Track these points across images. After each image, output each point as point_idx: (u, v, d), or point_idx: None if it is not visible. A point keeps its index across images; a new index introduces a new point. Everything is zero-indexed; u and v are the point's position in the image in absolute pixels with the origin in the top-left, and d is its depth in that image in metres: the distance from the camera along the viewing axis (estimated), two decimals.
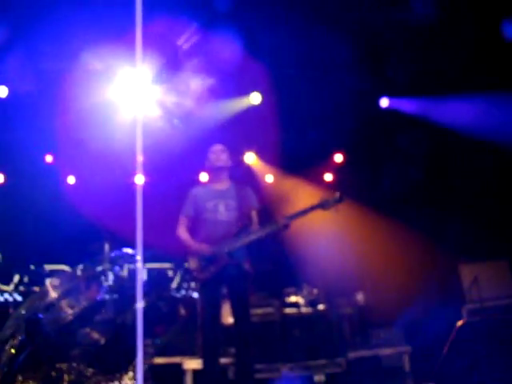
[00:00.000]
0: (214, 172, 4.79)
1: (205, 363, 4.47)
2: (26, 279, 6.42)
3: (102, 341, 3.76)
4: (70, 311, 3.85)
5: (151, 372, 4.50)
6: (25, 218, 7.69)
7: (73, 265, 6.36)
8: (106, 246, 5.54)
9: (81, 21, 5.46)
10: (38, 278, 6.34)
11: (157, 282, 5.18)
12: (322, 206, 4.41)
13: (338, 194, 4.50)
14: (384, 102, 7.58)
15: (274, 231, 4.45)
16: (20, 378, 3.19)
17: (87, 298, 4.24)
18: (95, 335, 3.83)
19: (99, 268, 5.03)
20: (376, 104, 7.60)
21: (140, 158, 7.43)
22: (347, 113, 7.56)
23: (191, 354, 6.20)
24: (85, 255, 5.93)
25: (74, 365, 3.61)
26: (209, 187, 4.80)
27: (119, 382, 4.26)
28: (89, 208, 7.30)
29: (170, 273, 6.36)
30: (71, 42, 5.79)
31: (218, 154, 4.72)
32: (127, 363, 3.91)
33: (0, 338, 3.56)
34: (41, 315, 3.60)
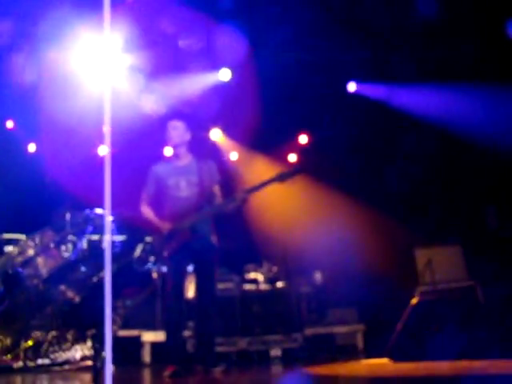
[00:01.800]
0: (173, 149, 4.79)
1: (167, 336, 4.52)
2: None
3: (77, 299, 3.76)
4: (45, 269, 3.83)
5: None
6: None
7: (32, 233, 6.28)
8: (67, 215, 5.48)
9: None
10: None
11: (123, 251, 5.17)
12: (280, 178, 4.43)
13: (294, 167, 4.61)
14: (351, 87, 7.68)
15: (234, 205, 4.49)
16: None
17: (59, 257, 4.22)
18: (70, 293, 3.82)
19: (65, 232, 5.00)
20: (344, 88, 7.69)
21: (106, 129, 7.37)
22: (315, 94, 7.64)
23: (150, 327, 6.24)
24: (45, 224, 5.86)
25: (48, 321, 3.61)
26: (170, 164, 4.79)
27: (90, 341, 4.29)
28: (50, 176, 7.19)
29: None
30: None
31: (172, 131, 4.71)
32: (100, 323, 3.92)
33: None
34: (19, 269, 3.57)
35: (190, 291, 5.19)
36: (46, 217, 6.01)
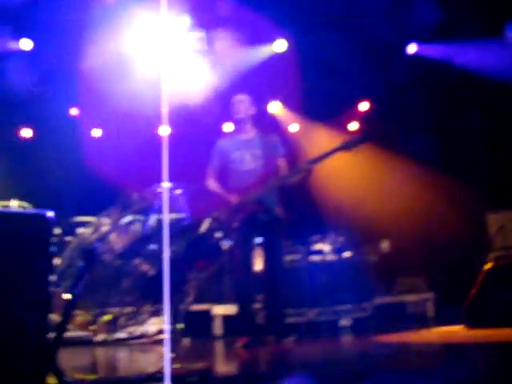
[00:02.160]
0: (237, 123, 4.80)
1: (238, 309, 4.60)
2: (57, 231, 6.59)
3: (151, 272, 3.88)
4: (119, 244, 3.97)
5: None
6: (53, 171, 7.82)
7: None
8: (135, 193, 5.62)
9: None
10: (69, 229, 6.50)
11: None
12: (344, 147, 4.38)
13: (359, 135, 4.52)
14: (412, 48, 7.41)
15: (299, 176, 4.46)
16: (77, 308, 3.35)
17: (130, 233, 4.35)
18: (144, 267, 3.94)
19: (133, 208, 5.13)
20: (403, 51, 7.43)
21: (165, 109, 7.48)
22: (373, 60, 7.43)
23: (220, 300, 6.37)
24: (113, 205, 6.03)
25: (125, 295, 3.75)
26: (234, 138, 4.83)
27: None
28: (115, 159, 7.38)
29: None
30: None
31: (238, 105, 4.72)
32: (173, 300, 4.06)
33: (58, 268, 3.70)
34: (96, 245, 3.73)
35: (258, 264, 5.24)
36: (114, 198, 6.20)
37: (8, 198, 6.72)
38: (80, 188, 7.60)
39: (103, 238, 3.69)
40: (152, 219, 5.19)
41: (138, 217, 5.38)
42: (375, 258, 6.95)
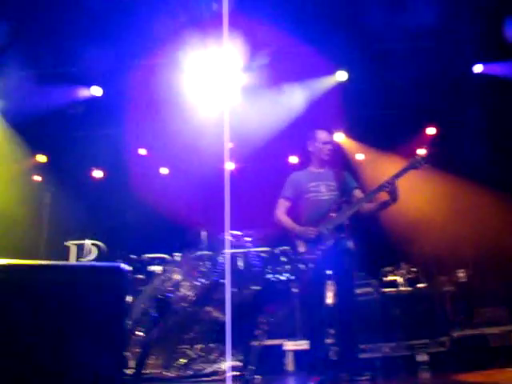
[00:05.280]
0: (317, 159, 4.75)
1: (310, 344, 4.49)
2: (128, 268, 6.74)
3: (222, 318, 3.89)
4: (191, 291, 4.01)
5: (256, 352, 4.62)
6: (123, 209, 8.07)
7: (171, 253, 6.61)
8: (203, 233, 5.69)
9: (165, 11, 5.60)
10: (140, 266, 6.64)
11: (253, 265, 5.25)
12: (413, 166, 4.30)
13: (425, 154, 4.40)
14: (478, 68, 7.19)
15: (375, 196, 4.38)
16: (152, 352, 3.40)
17: (203, 278, 4.40)
18: (215, 313, 3.97)
19: (201, 253, 5.18)
20: (469, 71, 7.23)
21: (229, 145, 7.60)
22: (437, 82, 7.26)
23: (291, 336, 6.26)
24: (182, 243, 6.13)
25: (197, 338, 3.80)
26: (308, 170, 4.79)
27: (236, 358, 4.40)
28: (183, 197, 7.53)
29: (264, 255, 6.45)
30: (159, 35, 5.96)
31: (325, 145, 4.69)
32: (243, 342, 4.05)
33: (132, 316, 3.80)
34: (169, 294, 3.79)
35: (329, 298, 5.13)
36: (182, 236, 6.30)
37: (82, 237, 7.02)
38: (149, 225, 7.79)
39: (176, 287, 3.75)
40: (221, 261, 5.22)
41: (207, 253, 5.44)
42: (451, 289, 6.63)
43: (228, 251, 4.97)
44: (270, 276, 4.55)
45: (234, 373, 5.23)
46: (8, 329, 1.81)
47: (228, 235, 5.47)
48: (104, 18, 6.16)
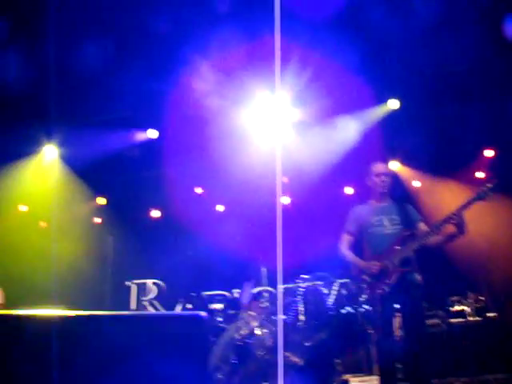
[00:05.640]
0: (376, 192, 4.70)
1: (382, 380, 4.35)
2: (188, 306, 6.78)
3: (301, 363, 3.84)
4: (269, 338, 3.99)
5: None
6: (181, 247, 8.16)
7: (230, 289, 6.60)
8: (263, 269, 5.67)
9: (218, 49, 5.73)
10: (200, 304, 6.66)
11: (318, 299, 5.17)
12: (480, 197, 4.18)
13: (492, 183, 4.24)
14: None
15: (441, 230, 4.26)
16: None
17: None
18: (294, 358, 3.92)
19: (262, 288, 5.16)
20: None
21: (283, 180, 7.63)
22: (492, 105, 7.09)
23: (357, 370, 6.10)
24: (242, 279, 6.11)
25: None
26: (370, 204, 4.73)
27: None
28: (240, 233, 7.55)
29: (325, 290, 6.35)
30: (210, 73, 6.11)
31: (384, 179, 4.64)
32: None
33: (212, 363, 3.80)
34: (248, 341, 3.78)
35: (398, 332, 4.97)
36: (242, 272, 6.30)
37: (142, 277, 7.13)
38: (207, 263, 7.84)
39: (252, 332, 3.73)
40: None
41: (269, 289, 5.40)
42: None
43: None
44: (346, 310, 4.47)
45: None
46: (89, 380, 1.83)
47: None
48: (154, 61, 6.37)
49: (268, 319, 4.00)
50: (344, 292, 5.52)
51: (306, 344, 3.93)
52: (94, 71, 6.35)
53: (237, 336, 3.91)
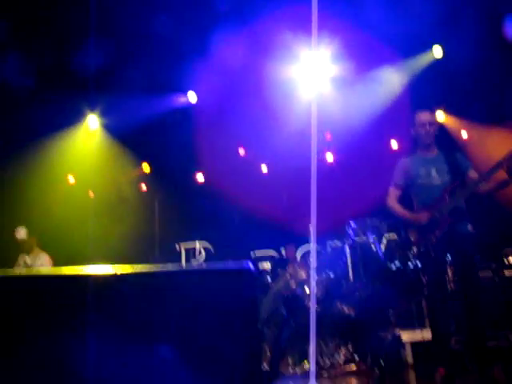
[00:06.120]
0: (422, 143, 4.55)
1: (432, 334, 4.31)
2: None
3: (352, 314, 3.83)
4: (319, 289, 4.00)
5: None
6: (228, 210, 8.22)
7: (278, 249, 6.63)
8: (310, 227, 5.64)
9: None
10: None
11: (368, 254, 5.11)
12: None
13: None
14: None
15: (490, 181, 4.12)
16: (286, 353, 3.41)
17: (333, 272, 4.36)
18: (346, 309, 3.92)
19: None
20: None
21: (327, 136, 7.50)
22: None
23: (409, 326, 6.07)
24: (287, 239, 6.11)
25: (331, 340, 3.77)
26: (417, 155, 4.59)
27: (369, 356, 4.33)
28: (285, 193, 7.53)
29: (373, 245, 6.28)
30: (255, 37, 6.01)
31: (429, 128, 4.47)
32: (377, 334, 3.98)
33: (261, 316, 3.85)
34: (298, 291, 3.79)
35: (450, 284, 4.88)
36: (286, 231, 6.31)
37: (192, 239, 7.23)
38: (254, 224, 7.88)
39: (301, 285, 3.73)
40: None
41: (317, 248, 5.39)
42: None
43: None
44: (395, 265, 4.41)
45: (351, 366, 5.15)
46: (140, 333, 1.86)
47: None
48: (191, 26, 6.30)
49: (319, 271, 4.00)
50: (394, 245, 5.46)
51: (357, 296, 3.90)
52: (131, 37, 6.36)
53: (285, 289, 3.92)
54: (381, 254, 4.90)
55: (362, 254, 4.91)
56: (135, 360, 1.80)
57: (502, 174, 4.10)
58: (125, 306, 1.83)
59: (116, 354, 1.80)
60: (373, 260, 4.76)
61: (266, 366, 2.67)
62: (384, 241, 5.51)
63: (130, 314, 1.82)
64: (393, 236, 5.65)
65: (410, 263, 4.26)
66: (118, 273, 1.89)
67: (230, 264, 2.23)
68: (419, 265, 4.02)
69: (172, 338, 1.83)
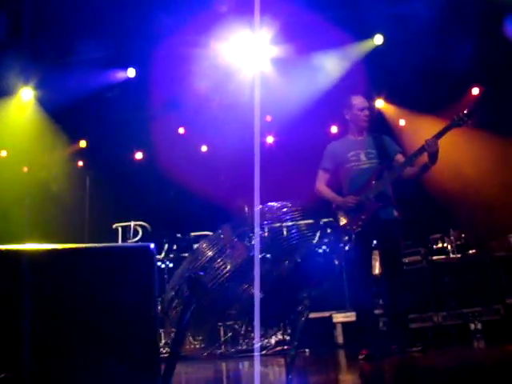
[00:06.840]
0: (355, 125, 4.58)
1: (358, 316, 4.42)
2: (174, 247, 6.81)
3: (260, 295, 3.86)
4: (226, 269, 3.99)
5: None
6: (166, 189, 8.12)
7: (215, 230, 6.60)
8: (246, 208, 5.65)
9: None
10: (186, 245, 6.69)
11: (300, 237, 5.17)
12: (455, 124, 4.12)
13: (467, 109, 4.17)
14: None
15: (418, 158, 4.22)
16: (188, 334, 3.41)
17: (239, 255, 4.37)
18: (253, 290, 3.94)
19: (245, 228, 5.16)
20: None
21: (267, 118, 7.51)
22: (480, 41, 6.91)
23: (340, 308, 6.22)
24: (225, 219, 6.09)
25: (234, 321, 3.79)
26: (346, 138, 4.63)
27: (276, 336, 4.38)
28: (223, 173, 7.50)
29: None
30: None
31: (362, 111, 4.50)
32: (285, 317, 4.03)
33: (165, 298, 3.82)
34: (201, 273, 3.77)
35: (377, 267, 5.01)
36: (225, 211, 6.29)
37: (127, 219, 7.11)
38: (192, 204, 7.82)
39: (208, 265, 3.71)
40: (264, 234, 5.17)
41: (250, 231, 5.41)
42: (503, 254, 6.39)
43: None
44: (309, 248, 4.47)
45: (279, 347, 5.23)
46: (39, 313, 1.83)
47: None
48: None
49: (227, 252, 4.00)
50: (328, 230, 5.54)
51: (269, 276, 3.94)
52: (70, 8, 6.12)
53: (190, 267, 3.92)
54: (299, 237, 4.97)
55: (276, 237, 4.97)
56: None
57: (425, 158, 4.22)
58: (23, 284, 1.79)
59: None
60: (291, 243, 4.81)
61: (168, 348, 2.67)
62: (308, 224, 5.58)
63: (27, 291, 1.79)
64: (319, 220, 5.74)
65: (333, 247, 4.33)
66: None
67: (132, 244, 2.19)
68: (343, 249, 4.10)
69: (65, 316, 1.81)
